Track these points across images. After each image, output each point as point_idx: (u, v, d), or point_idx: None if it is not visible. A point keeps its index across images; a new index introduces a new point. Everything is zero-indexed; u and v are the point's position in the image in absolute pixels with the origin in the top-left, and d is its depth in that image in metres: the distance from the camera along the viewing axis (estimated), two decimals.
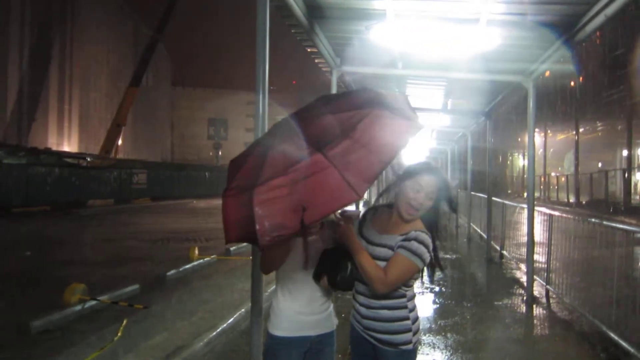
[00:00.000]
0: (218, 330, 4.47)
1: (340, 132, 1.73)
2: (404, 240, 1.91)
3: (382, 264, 1.90)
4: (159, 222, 16.81)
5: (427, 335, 4.49)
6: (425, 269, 2.02)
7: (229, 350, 4.19)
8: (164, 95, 55.85)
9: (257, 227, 1.55)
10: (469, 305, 5.61)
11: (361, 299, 2.02)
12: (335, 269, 1.90)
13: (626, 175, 22.80)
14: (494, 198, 9.24)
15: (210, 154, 59.21)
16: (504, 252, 8.54)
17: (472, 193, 11.96)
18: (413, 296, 2.06)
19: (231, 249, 8.65)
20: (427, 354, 4.02)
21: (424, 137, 14.74)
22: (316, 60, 6.18)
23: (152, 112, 50.14)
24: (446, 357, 3.99)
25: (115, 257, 8.86)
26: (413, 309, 2.02)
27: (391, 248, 1.93)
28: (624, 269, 4.60)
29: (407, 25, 4.87)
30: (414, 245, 1.89)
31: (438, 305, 5.60)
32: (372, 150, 1.67)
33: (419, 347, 1.98)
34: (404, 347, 1.97)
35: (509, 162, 41.31)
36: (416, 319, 2.04)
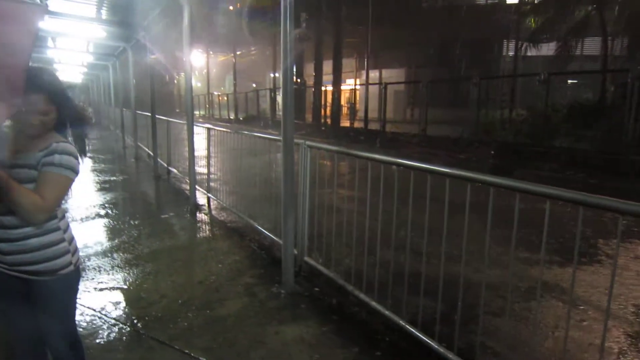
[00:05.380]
0: None
1: None
2: (47, 156, 1.72)
3: (28, 186, 1.68)
4: None
5: (92, 260, 4.32)
6: None
7: None
8: None
9: None
10: (136, 223, 5.67)
11: None
12: None
13: (272, 94, 27.11)
14: (158, 116, 9.26)
15: None
16: (171, 168, 8.88)
17: (137, 112, 11.60)
18: (64, 215, 1.92)
19: None
20: (93, 278, 3.89)
21: (78, 51, 13.03)
22: None
23: None
24: (113, 277, 3.96)
25: None
26: (67, 228, 1.89)
27: (33, 167, 1.71)
28: (266, 171, 5.59)
29: None
30: (62, 158, 1.74)
31: (105, 229, 5.43)
32: None
33: (82, 269, 1.88)
34: (64, 271, 1.84)
35: (176, 81, 41.85)
36: (72, 238, 1.92)
